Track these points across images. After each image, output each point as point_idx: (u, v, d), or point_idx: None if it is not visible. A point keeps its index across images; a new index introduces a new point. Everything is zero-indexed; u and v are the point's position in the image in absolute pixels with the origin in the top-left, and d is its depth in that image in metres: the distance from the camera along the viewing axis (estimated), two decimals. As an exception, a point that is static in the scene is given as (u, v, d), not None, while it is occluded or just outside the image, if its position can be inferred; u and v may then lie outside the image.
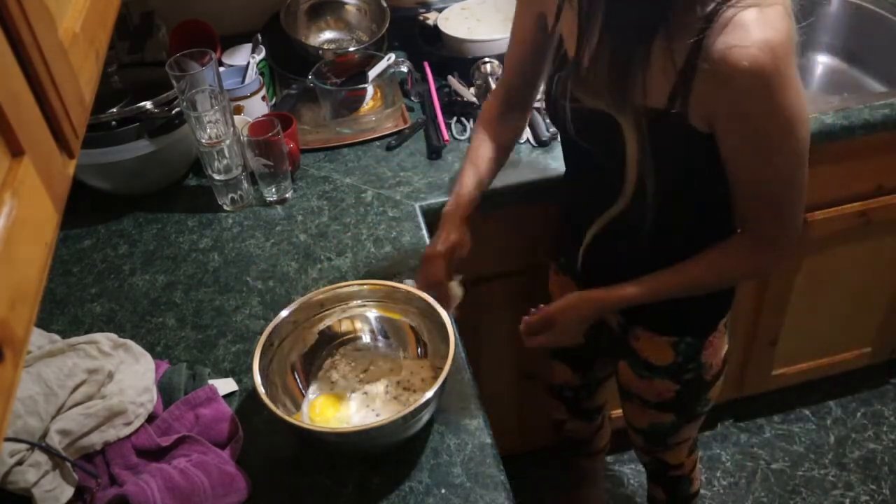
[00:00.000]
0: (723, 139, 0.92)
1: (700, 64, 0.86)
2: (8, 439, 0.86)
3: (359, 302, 1.07)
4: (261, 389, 0.93)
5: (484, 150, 1.19)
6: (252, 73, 1.53)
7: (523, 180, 1.37)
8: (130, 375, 1.00)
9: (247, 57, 1.57)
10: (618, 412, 1.87)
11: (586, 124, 1.01)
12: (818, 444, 2.00)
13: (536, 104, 1.52)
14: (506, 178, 1.38)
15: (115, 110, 1.35)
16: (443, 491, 0.94)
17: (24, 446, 0.88)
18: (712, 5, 0.85)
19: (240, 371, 1.10)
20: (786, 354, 1.88)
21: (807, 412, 2.08)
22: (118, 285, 1.28)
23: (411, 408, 0.89)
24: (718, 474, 1.95)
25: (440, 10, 1.73)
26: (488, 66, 1.56)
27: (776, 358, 1.87)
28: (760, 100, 0.86)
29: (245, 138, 1.33)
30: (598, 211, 1.06)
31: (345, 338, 1.07)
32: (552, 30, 1.05)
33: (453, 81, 1.61)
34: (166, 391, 1.04)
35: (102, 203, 1.43)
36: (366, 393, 1.01)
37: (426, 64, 1.66)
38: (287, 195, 1.40)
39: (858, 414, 2.07)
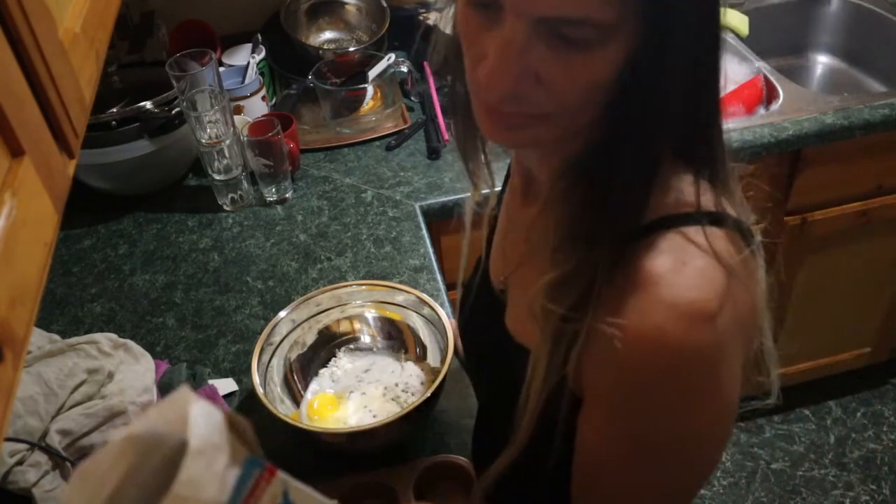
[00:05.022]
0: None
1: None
2: (8, 439, 0.86)
3: (358, 302, 1.07)
4: (259, 389, 0.94)
5: None
6: (252, 73, 1.53)
7: (523, 180, 1.37)
8: (130, 375, 1.00)
9: (247, 57, 1.57)
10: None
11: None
12: (818, 444, 2.00)
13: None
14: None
15: (115, 110, 1.35)
16: (443, 491, 0.94)
17: (24, 446, 0.88)
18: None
19: (240, 371, 1.10)
20: (786, 354, 1.88)
21: (807, 412, 2.08)
22: (118, 285, 1.28)
23: (406, 410, 0.89)
24: (718, 474, 1.95)
25: (440, 10, 1.72)
26: (488, 66, 1.56)
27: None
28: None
29: (245, 138, 1.33)
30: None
31: (344, 338, 1.07)
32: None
33: (453, 81, 1.61)
34: (166, 391, 1.04)
35: (102, 203, 1.43)
36: (364, 393, 1.01)
37: (426, 64, 1.66)
38: (287, 195, 1.40)
39: (858, 414, 2.07)
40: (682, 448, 0.63)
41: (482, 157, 0.77)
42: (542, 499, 0.78)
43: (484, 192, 0.84)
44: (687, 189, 0.60)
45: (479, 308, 0.83)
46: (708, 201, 0.60)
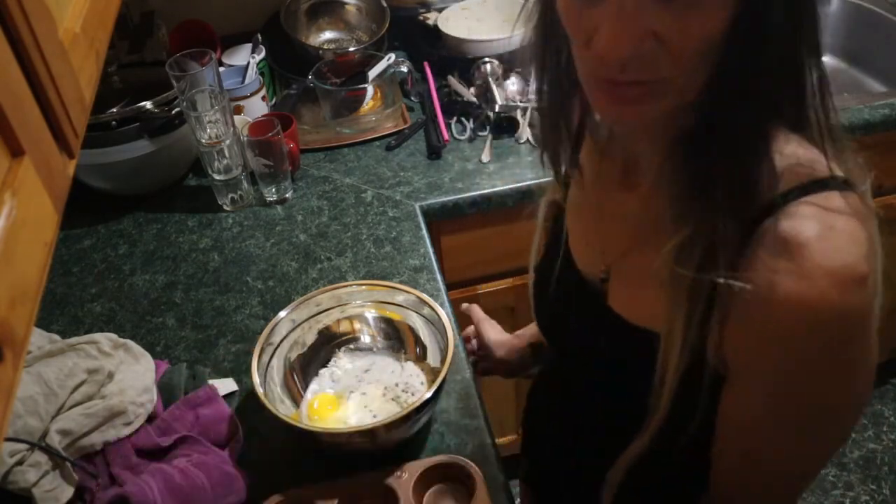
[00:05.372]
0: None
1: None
2: (8, 439, 0.86)
3: (358, 302, 1.07)
4: (259, 389, 0.93)
5: None
6: (252, 73, 1.53)
7: (523, 180, 1.37)
8: (130, 375, 1.00)
9: (247, 57, 1.57)
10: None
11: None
12: (818, 445, 2.00)
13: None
14: (506, 178, 1.38)
15: (115, 110, 1.35)
16: (443, 491, 0.94)
17: (24, 446, 0.87)
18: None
19: (240, 371, 1.10)
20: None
21: (806, 412, 2.08)
22: (118, 285, 1.28)
23: (406, 410, 0.89)
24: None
25: (440, 10, 1.73)
26: (488, 66, 1.56)
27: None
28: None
29: (245, 138, 1.33)
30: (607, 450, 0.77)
31: (344, 338, 1.07)
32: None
33: (453, 81, 1.61)
34: (166, 391, 1.03)
35: (102, 203, 1.43)
36: (364, 393, 1.01)
37: (426, 64, 1.66)
38: (287, 195, 1.40)
39: (858, 414, 2.07)
40: (840, 412, 0.64)
41: (569, 146, 0.76)
42: (669, 486, 0.77)
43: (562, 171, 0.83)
44: (811, 157, 0.61)
45: (570, 299, 0.83)
46: (835, 168, 0.61)
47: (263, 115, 1.45)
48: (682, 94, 0.59)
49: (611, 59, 0.56)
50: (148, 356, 1.06)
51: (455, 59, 1.64)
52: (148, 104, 1.34)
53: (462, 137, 1.51)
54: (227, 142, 1.32)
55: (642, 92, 0.59)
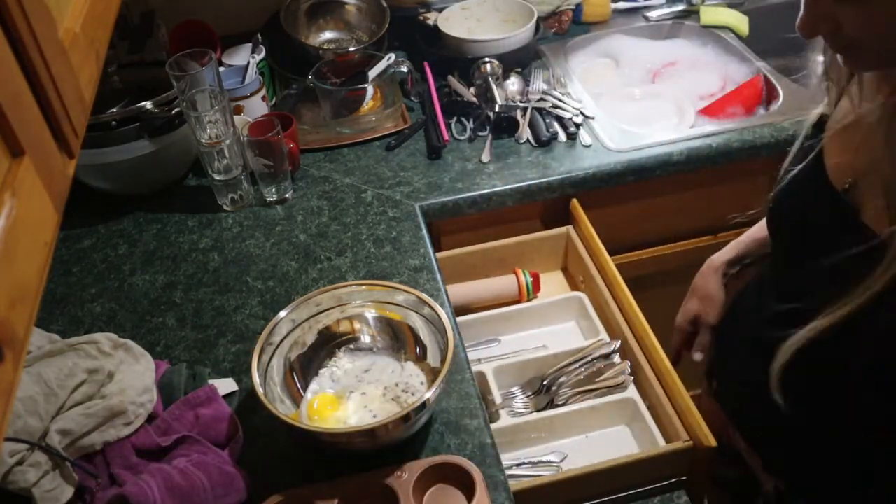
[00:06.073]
0: None
1: None
2: (8, 439, 0.86)
3: (358, 302, 1.07)
4: (259, 389, 0.94)
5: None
6: (252, 73, 1.53)
7: (523, 180, 1.38)
8: (130, 375, 1.00)
9: (247, 57, 1.57)
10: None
11: None
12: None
13: (537, 103, 1.53)
14: (506, 178, 1.38)
15: (115, 110, 1.35)
16: (443, 491, 0.94)
17: (24, 446, 0.87)
18: None
19: (240, 371, 1.10)
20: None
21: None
22: (118, 285, 1.28)
23: (406, 410, 0.89)
24: None
25: (440, 10, 1.73)
26: (488, 66, 1.56)
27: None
28: None
29: (245, 138, 1.33)
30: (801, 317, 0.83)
31: (344, 338, 1.08)
32: None
33: (453, 81, 1.61)
34: (166, 391, 1.04)
35: (102, 203, 1.43)
36: (364, 393, 1.01)
37: (426, 64, 1.66)
38: (287, 195, 1.40)
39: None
40: None
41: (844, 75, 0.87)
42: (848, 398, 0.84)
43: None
44: None
45: (816, 207, 0.88)
46: None
47: (263, 115, 1.45)
48: (885, 56, 0.72)
49: (800, 33, 0.75)
50: (148, 356, 1.06)
51: (455, 59, 1.64)
52: (148, 104, 1.34)
53: (462, 137, 1.51)
54: (227, 142, 1.32)
55: (839, 49, 0.76)
